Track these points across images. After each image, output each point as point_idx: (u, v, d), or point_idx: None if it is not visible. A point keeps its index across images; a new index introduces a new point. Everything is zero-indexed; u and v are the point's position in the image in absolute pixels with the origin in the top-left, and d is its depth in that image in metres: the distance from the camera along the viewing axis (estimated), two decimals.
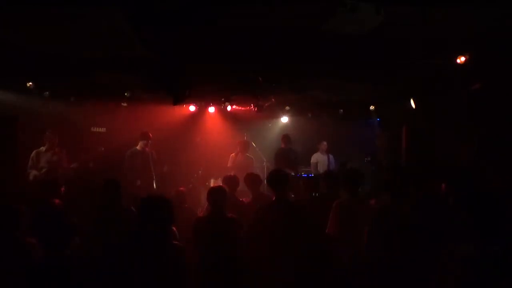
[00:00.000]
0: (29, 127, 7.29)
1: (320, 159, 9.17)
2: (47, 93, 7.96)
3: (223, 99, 9.16)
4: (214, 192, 4.26)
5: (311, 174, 8.83)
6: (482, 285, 2.40)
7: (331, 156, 9.08)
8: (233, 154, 8.37)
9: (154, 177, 7.79)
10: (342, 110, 9.72)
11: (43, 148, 7.05)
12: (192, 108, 9.78)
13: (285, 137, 8.77)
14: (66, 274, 2.72)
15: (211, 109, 9.91)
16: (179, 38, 4.70)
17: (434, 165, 6.69)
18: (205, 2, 4.03)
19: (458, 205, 2.65)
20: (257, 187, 5.34)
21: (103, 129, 9.25)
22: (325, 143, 9.21)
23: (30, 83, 7.35)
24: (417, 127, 7.51)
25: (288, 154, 8.60)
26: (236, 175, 7.50)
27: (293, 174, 7.94)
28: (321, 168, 8.80)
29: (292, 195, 6.59)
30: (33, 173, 6.84)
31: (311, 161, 9.26)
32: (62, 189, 5.19)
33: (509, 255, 2.39)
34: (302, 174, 8.38)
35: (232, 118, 10.11)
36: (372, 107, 9.21)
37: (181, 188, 6.01)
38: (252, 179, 5.38)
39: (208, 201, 4.23)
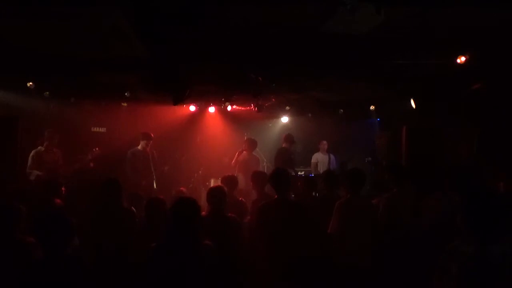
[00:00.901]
0: (29, 127, 7.29)
1: (320, 159, 9.15)
2: (47, 93, 7.98)
3: (223, 99, 9.17)
4: (213, 192, 4.27)
5: (311, 174, 8.83)
6: (482, 285, 2.40)
7: (332, 156, 9.03)
8: (238, 152, 8.33)
9: (155, 177, 7.80)
10: (342, 110, 9.72)
11: (41, 148, 7.03)
12: (192, 108, 9.78)
13: (288, 137, 8.69)
14: (66, 274, 2.71)
15: (211, 109, 9.91)
16: (179, 38, 4.70)
17: (434, 165, 6.68)
18: (205, 2, 4.03)
19: (459, 205, 2.64)
20: (263, 186, 5.34)
21: (103, 129, 9.27)
22: (325, 142, 9.18)
23: (30, 83, 7.36)
24: (417, 127, 7.51)
25: (290, 154, 8.55)
26: (237, 174, 7.54)
27: (293, 174, 7.93)
28: (322, 168, 8.77)
29: (292, 195, 6.59)
30: (34, 173, 6.82)
31: (312, 161, 9.25)
32: (63, 189, 5.19)
33: (509, 255, 2.39)
34: (300, 174, 8.37)
35: (232, 118, 10.11)
36: (372, 107, 9.21)
37: (181, 188, 6.02)
38: (259, 178, 5.37)
39: (207, 201, 4.23)
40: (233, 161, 8.21)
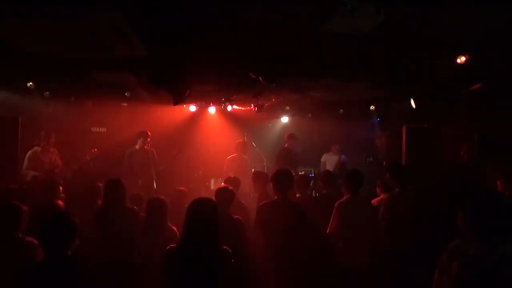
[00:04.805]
0: (29, 127, 7.28)
1: (329, 159, 9.03)
2: (47, 93, 7.97)
3: (223, 99, 9.16)
4: (220, 192, 4.26)
5: (311, 174, 8.82)
6: (482, 285, 2.40)
7: (343, 157, 8.90)
8: (229, 157, 8.22)
9: (155, 177, 7.79)
10: (342, 110, 9.72)
11: (38, 148, 7.00)
12: (192, 108, 9.78)
13: (290, 136, 8.46)
14: (67, 275, 2.71)
15: (211, 109, 9.90)
16: (179, 37, 4.70)
17: (434, 165, 6.69)
18: (205, 2, 4.03)
19: (458, 204, 2.65)
20: (264, 186, 5.34)
21: (103, 129, 9.26)
22: (337, 146, 9.02)
23: (30, 83, 7.35)
24: (417, 127, 7.51)
25: (292, 154, 8.48)
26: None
27: (293, 174, 7.90)
28: (330, 168, 8.68)
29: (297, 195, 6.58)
30: (30, 173, 6.77)
31: (321, 159, 9.17)
32: (61, 188, 5.19)
33: (509, 256, 2.39)
34: (301, 173, 8.35)
35: (232, 118, 10.11)
36: (372, 107, 9.21)
37: (182, 188, 6.01)
38: (260, 178, 5.39)
39: (215, 200, 4.20)
40: (225, 168, 8.09)
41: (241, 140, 8.61)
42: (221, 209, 4.08)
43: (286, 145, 8.42)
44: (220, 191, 4.29)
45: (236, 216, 4.22)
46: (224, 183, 5.36)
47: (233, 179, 5.41)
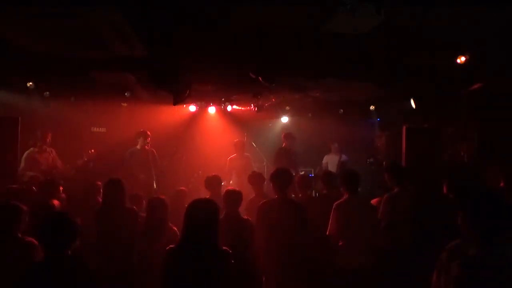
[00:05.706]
0: (29, 127, 7.28)
1: (330, 160, 9.01)
2: (47, 93, 7.97)
3: (223, 99, 9.16)
4: (230, 194, 4.27)
5: (311, 174, 8.81)
6: (482, 285, 2.40)
7: (343, 156, 8.86)
8: (230, 157, 8.20)
9: (155, 177, 7.78)
10: (342, 110, 9.72)
11: (34, 149, 6.99)
12: (192, 108, 9.77)
13: (288, 135, 8.46)
14: (67, 275, 2.71)
15: (211, 109, 9.90)
16: (179, 38, 4.70)
17: (434, 165, 6.70)
18: (206, 2, 4.03)
19: (458, 205, 2.64)
20: (260, 186, 5.35)
21: (103, 129, 9.26)
22: (336, 144, 8.99)
23: (30, 83, 7.35)
24: (417, 127, 7.52)
25: (291, 154, 8.47)
26: (232, 176, 7.52)
27: (293, 173, 7.89)
28: (331, 169, 8.66)
29: (292, 195, 6.59)
30: (28, 174, 6.75)
31: (323, 161, 9.16)
32: (61, 188, 5.19)
33: (509, 255, 2.39)
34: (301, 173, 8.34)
35: (232, 118, 10.10)
36: (372, 107, 9.20)
37: (182, 188, 6.01)
38: (256, 178, 5.40)
39: (224, 201, 4.21)
40: (227, 169, 8.07)
41: (238, 139, 8.56)
42: (230, 210, 4.11)
43: (283, 145, 8.40)
44: (228, 193, 4.29)
45: (246, 217, 4.23)
46: (205, 183, 5.36)
47: (212, 178, 5.41)
